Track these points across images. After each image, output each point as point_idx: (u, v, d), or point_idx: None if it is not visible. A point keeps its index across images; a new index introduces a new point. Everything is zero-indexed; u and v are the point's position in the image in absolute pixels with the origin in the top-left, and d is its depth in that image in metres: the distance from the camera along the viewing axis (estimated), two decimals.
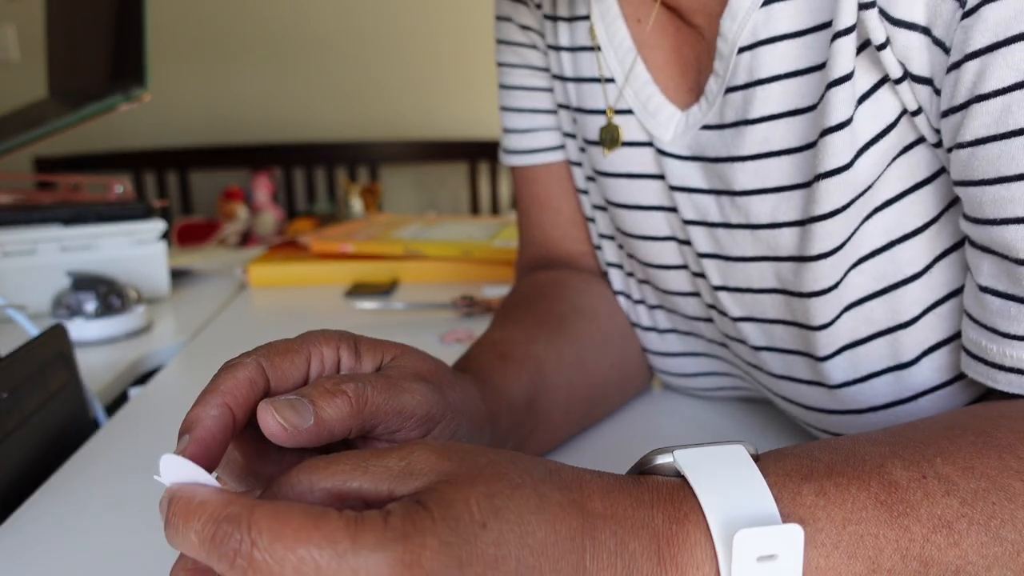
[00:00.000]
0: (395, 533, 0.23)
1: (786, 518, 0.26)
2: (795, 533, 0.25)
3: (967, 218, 0.35)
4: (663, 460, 0.29)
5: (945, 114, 0.34)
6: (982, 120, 0.32)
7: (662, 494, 0.28)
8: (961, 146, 0.33)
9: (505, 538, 0.24)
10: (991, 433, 0.30)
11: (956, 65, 0.32)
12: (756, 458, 0.29)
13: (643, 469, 0.30)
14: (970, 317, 0.36)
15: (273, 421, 0.29)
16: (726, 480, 0.27)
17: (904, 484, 0.27)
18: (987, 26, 0.31)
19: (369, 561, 0.22)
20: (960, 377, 0.40)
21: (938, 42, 0.33)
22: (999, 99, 0.31)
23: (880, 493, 0.27)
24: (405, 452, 0.27)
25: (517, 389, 0.44)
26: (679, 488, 0.28)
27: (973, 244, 0.35)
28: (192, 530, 0.24)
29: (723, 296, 0.47)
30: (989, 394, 0.39)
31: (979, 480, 0.28)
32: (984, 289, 0.34)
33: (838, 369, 0.43)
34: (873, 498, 0.27)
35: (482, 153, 2.44)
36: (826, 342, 0.42)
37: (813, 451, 0.30)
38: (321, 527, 0.23)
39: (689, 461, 0.28)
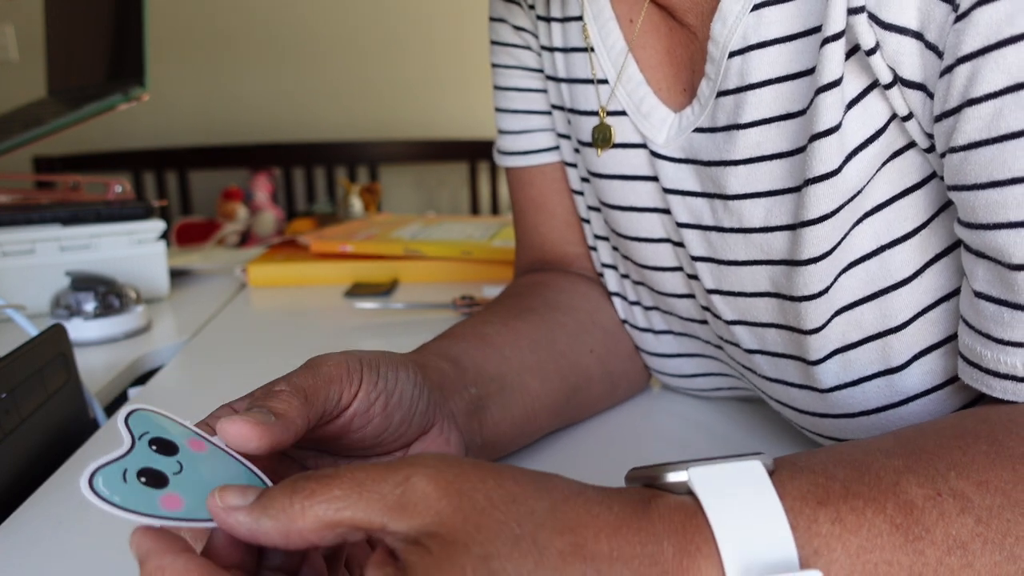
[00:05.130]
0: None
1: (802, 548, 0.26)
2: None
3: (961, 223, 0.34)
4: (675, 478, 0.28)
5: (938, 118, 0.34)
6: (974, 124, 0.32)
7: (673, 523, 0.26)
8: (954, 150, 0.33)
9: None
10: (1003, 441, 0.29)
11: (948, 69, 0.32)
12: (771, 471, 0.28)
13: (653, 484, 0.28)
14: (965, 322, 0.36)
15: (241, 424, 0.29)
16: (742, 509, 0.26)
17: (919, 504, 0.27)
18: (978, 29, 0.30)
19: None
20: (951, 381, 0.39)
21: (931, 46, 0.33)
22: (991, 103, 0.31)
23: (896, 516, 0.27)
24: (402, 477, 0.26)
25: (450, 347, 0.45)
26: (692, 516, 0.27)
27: (968, 249, 0.35)
28: None
29: (716, 299, 0.47)
30: (981, 398, 0.39)
31: (994, 495, 0.27)
32: (979, 294, 0.34)
33: (829, 373, 0.43)
34: (888, 522, 0.27)
35: (482, 153, 2.44)
36: (817, 346, 0.42)
37: (828, 466, 0.29)
38: None
39: (704, 483, 0.27)
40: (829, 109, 0.36)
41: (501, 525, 0.25)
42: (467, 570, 0.23)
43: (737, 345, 0.48)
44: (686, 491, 0.27)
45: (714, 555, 0.25)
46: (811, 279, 0.40)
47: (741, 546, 0.25)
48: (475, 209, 2.54)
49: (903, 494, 0.27)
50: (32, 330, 0.55)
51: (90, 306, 0.77)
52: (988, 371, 0.34)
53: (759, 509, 0.26)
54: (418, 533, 0.25)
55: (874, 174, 0.38)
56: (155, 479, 0.27)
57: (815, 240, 0.39)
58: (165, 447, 0.28)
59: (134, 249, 0.90)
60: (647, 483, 0.29)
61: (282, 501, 0.26)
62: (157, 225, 0.91)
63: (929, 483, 0.28)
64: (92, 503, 0.25)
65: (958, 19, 0.31)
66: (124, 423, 0.28)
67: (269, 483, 0.30)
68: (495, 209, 2.52)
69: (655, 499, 0.28)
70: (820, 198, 0.38)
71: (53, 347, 0.52)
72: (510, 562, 0.24)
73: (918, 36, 0.33)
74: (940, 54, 0.33)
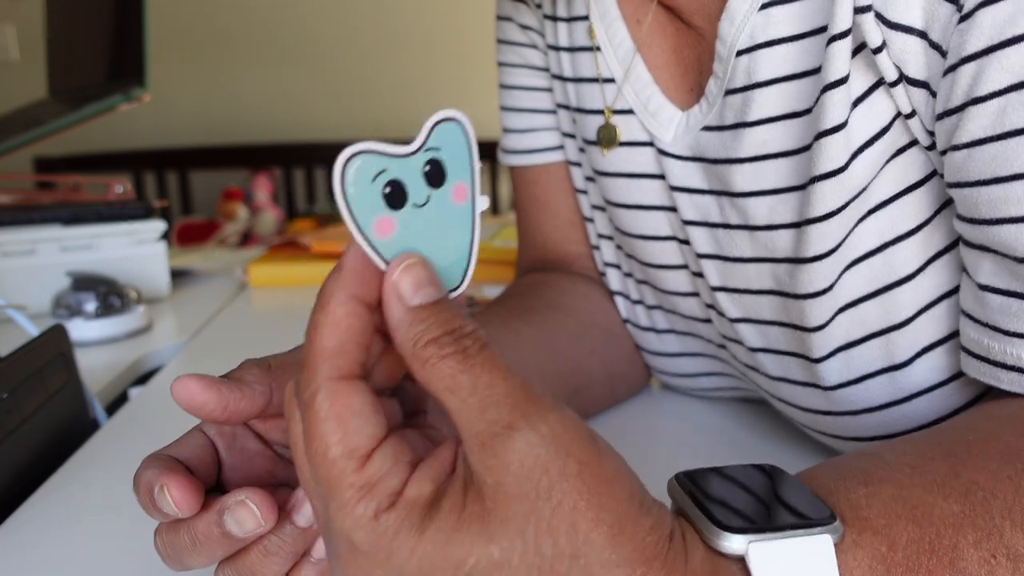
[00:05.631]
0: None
1: None
2: None
3: (962, 219, 0.35)
4: (732, 550, 0.25)
5: (940, 116, 0.34)
6: (979, 122, 0.32)
7: None
8: (956, 148, 0.33)
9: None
10: None
11: (952, 68, 0.33)
12: (838, 540, 0.26)
13: (708, 543, 0.25)
14: (969, 317, 0.36)
15: (189, 377, 0.30)
16: None
17: (974, 572, 0.26)
18: (982, 30, 0.31)
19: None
20: (955, 378, 0.40)
21: (935, 45, 0.34)
22: (995, 101, 0.31)
23: None
24: (511, 420, 0.24)
25: None
26: None
27: (970, 244, 0.35)
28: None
29: (721, 297, 0.47)
30: (985, 394, 0.39)
31: None
32: (984, 287, 0.34)
33: (833, 371, 0.43)
34: None
35: (481, 153, 2.42)
36: (820, 344, 0.42)
37: (893, 525, 0.27)
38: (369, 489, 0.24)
39: (765, 569, 0.24)
40: (835, 107, 0.37)
41: (533, 543, 0.23)
42: (470, 560, 0.23)
43: (741, 343, 0.48)
44: (739, 558, 0.25)
45: None
46: (815, 276, 0.41)
47: None
48: None
49: (960, 562, 0.26)
50: (33, 330, 0.55)
51: (91, 306, 0.77)
52: (996, 363, 0.34)
53: None
54: (473, 476, 0.24)
55: (879, 171, 0.38)
56: (396, 198, 0.25)
57: (820, 237, 0.39)
58: (437, 175, 0.26)
59: (135, 249, 0.90)
60: (699, 529, 0.26)
61: (420, 337, 0.25)
62: (158, 225, 0.91)
63: (986, 541, 0.27)
64: (333, 179, 0.24)
65: (962, 19, 0.32)
66: (432, 126, 0.26)
67: (470, 268, 0.28)
68: (495, 210, 2.52)
69: (706, 555, 0.25)
70: (826, 195, 0.38)
71: (54, 347, 0.52)
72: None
73: (923, 35, 0.34)
74: (944, 53, 0.33)
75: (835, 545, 0.25)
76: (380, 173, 0.25)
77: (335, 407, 0.24)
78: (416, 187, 0.26)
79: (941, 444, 0.32)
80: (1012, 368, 0.34)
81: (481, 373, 0.24)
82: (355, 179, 0.24)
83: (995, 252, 0.33)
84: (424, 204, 0.26)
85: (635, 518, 0.24)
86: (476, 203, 0.28)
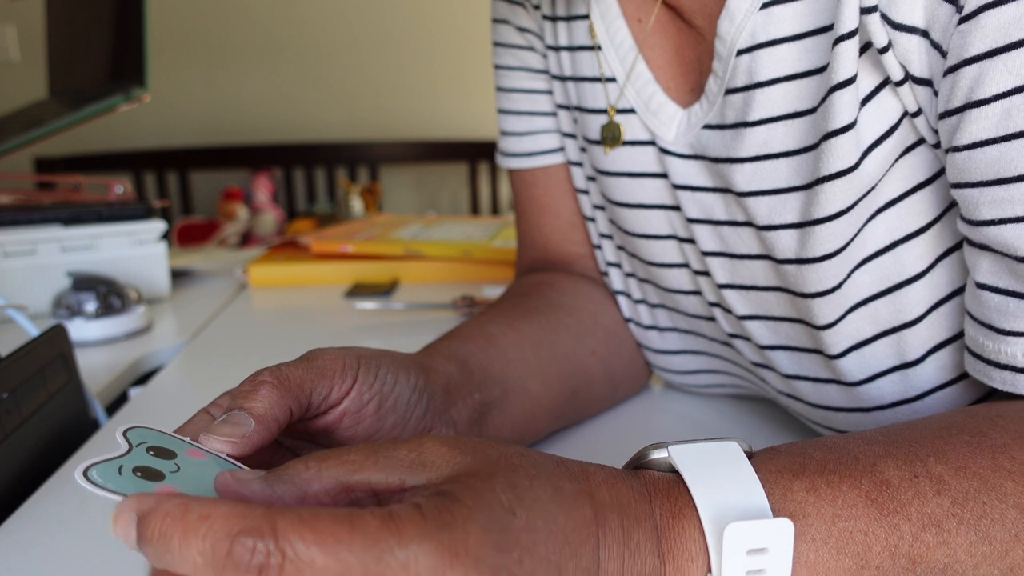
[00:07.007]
0: (436, 523, 0.22)
1: (776, 512, 0.27)
2: (785, 527, 0.26)
3: (964, 219, 0.35)
4: (658, 455, 0.30)
5: (942, 116, 0.34)
6: (981, 124, 0.32)
7: (659, 488, 0.28)
8: (957, 149, 0.34)
9: (534, 524, 0.24)
10: (986, 433, 0.30)
11: (953, 69, 0.33)
12: (750, 455, 0.30)
13: (639, 463, 0.30)
14: (969, 315, 0.36)
15: (221, 444, 0.29)
16: (718, 475, 0.28)
17: (895, 483, 0.28)
18: (986, 32, 0.31)
19: (417, 553, 0.21)
20: (965, 375, 0.40)
21: (935, 45, 0.34)
22: (999, 103, 0.31)
23: (871, 491, 0.27)
24: (415, 444, 0.27)
25: (458, 349, 0.45)
26: (675, 483, 0.28)
27: (971, 243, 0.35)
28: (194, 549, 0.21)
29: (729, 294, 0.47)
30: (994, 392, 0.39)
31: (971, 480, 0.28)
32: (981, 286, 0.35)
33: (851, 367, 0.43)
34: (864, 496, 0.27)
35: (482, 153, 2.44)
36: (831, 342, 0.43)
37: (806, 449, 0.30)
38: (358, 528, 0.22)
39: (683, 456, 0.29)
40: (844, 107, 0.37)
41: (517, 466, 0.26)
42: (497, 491, 0.24)
43: (749, 340, 0.48)
44: (668, 468, 0.29)
45: (695, 516, 0.27)
46: (823, 275, 0.41)
47: (717, 506, 0.27)
48: (475, 210, 2.54)
49: (879, 473, 0.28)
50: (33, 330, 0.55)
51: (91, 306, 0.77)
52: (989, 362, 0.35)
53: (734, 476, 0.28)
54: (441, 480, 0.25)
55: (888, 170, 0.38)
56: (151, 475, 0.27)
57: (828, 237, 0.40)
58: (163, 453, 0.28)
59: (135, 249, 0.90)
60: (635, 467, 0.31)
61: (297, 467, 0.26)
62: (158, 225, 0.91)
63: (907, 466, 0.28)
64: (87, 490, 0.25)
65: (962, 20, 0.32)
66: (123, 435, 0.29)
67: None
68: (495, 210, 2.52)
69: (641, 472, 0.29)
70: (835, 195, 0.38)
71: (54, 347, 0.52)
72: (533, 490, 0.25)
73: (924, 34, 0.34)
74: (943, 53, 0.33)
75: (747, 456, 0.29)
76: (119, 468, 0.27)
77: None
78: (158, 463, 0.28)
79: (884, 427, 0.33)
80: (1004, 367, 0.34)
81: (364, 443, 0.27)
82: (103, 479, 0.26)
83: (994, 251, 0.34)
84: (179, 468, 0.28)
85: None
86: (213, 451, 0.30)
